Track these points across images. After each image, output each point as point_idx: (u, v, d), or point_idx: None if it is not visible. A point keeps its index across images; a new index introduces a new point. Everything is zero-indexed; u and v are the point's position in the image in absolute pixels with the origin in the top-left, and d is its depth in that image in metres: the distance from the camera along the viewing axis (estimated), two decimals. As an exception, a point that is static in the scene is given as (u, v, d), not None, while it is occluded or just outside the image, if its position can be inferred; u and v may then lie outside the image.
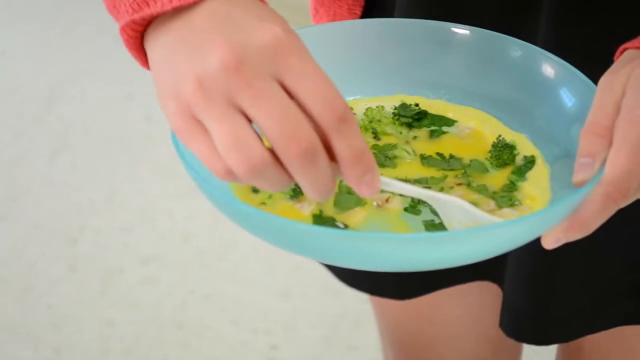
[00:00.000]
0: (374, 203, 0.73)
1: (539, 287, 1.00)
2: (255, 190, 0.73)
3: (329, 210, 0.72)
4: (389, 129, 0.81)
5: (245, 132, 0.60)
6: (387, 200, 0.73)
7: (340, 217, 0.72)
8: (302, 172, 0.60)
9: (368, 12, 0.97)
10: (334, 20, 0.97)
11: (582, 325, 1.02)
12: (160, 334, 1.95)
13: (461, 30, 0.82)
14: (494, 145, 0.79)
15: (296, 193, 0.73)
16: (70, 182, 2.29)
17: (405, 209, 0.73)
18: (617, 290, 0.99)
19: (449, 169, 0.78)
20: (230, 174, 0.61)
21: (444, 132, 0.81)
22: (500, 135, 0.80)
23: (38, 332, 1.95)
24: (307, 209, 0.72)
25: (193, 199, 2.22)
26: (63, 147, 2.38)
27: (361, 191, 0.62)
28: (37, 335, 1.95)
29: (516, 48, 0.82)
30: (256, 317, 1.98)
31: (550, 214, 0.67)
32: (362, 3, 0.95)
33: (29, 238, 2.14)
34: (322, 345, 1.93)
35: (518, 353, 1.23)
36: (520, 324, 1.04)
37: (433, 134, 0.81)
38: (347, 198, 0.73)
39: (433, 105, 0.82)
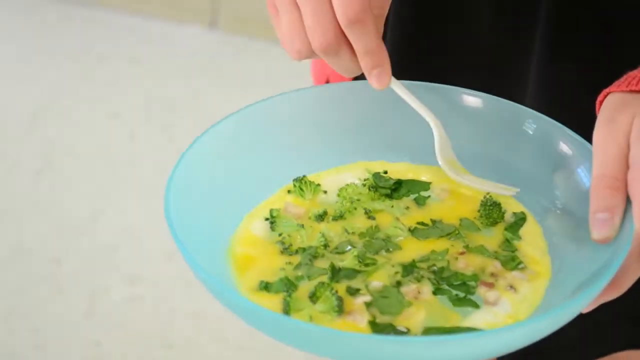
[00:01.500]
0: (412, 297, 0.72)
1: None
2: (286, 312, 0.71)
3: (382, 318, 0.70)
4: (377, 205, 0.79)
5: (297, 24, 0.73)
6: (419, 292, 0.72)
7: (397, 322, 0.70)
8: (327, 60, 0.74)
9: None
10: None
11: (584, 352, 1.01)
12: (147, 353, 1.94)
13: (419, 86, 0.81)
14: (483, 204, 0.77)
15: (341, 309, 0.70)
16: (54, 202, 2.28)
17: (434, 292, 0.72)
18: (619, 314, 0.98)
19: (444, 234, 0.76)
20: (298, 54, 0.75)
21: (426, 198, 0.80)
22: (487, 193, 0.78)
23: (23, 354, 1.94)
24: (361, 320, 0.70)
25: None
26: (47, 167, 2.37)
27: (371, 82, 0.75)
28: (22, 357, 1.94)
29: (484, 101, 0.81)
30: (243, 334, 1.98)
31: (593, 291, 0.66)
32: None
33: (13, 259, 2.14)
34: (308, 363, 1.93)
35: None
36: (523, 352, 1.03)
37: (418, 202, 0.80)
38: (389, 303, 0.71)
39: (399, 170, 0.81)
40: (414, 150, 0.82)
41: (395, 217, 0.78)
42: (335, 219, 0.78)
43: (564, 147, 0.76)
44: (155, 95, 2.58)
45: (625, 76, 0.72)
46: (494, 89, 0.83)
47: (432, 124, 0.77)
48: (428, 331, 0.69)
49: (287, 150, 0.82)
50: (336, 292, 0.71)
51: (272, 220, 0.78)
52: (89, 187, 2.32)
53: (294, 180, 0.81)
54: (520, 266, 0.73)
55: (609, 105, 0.71)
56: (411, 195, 0.80)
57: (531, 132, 0.78)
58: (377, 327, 0.69)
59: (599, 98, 0.73)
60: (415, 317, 0.70)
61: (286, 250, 0.76)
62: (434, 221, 0.77)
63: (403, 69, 0.91)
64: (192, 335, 1.98)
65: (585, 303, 0.66)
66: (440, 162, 0.77)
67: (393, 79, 0.76)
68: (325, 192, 0.81)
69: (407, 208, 0.79)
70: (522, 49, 0.90)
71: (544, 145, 0.77)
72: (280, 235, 0.77)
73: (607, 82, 0.86)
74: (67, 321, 2.00)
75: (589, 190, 0.69)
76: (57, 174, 2.35)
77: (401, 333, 0.69)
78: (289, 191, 0.81)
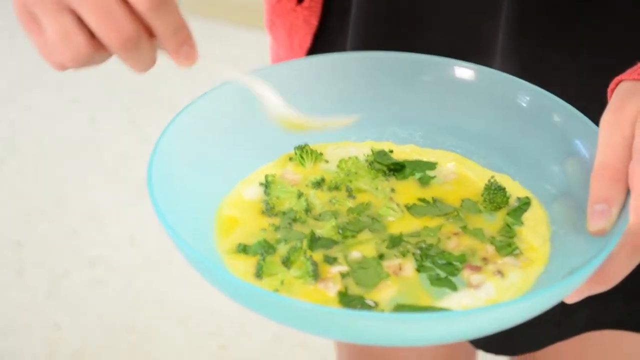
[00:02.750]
0: (391, 271, 0.71)
1: None
2: (259, 276, 0.70)
3: (354, 289, 0.69)
4: (363, 185, 0.78)
5: (72, 29, 0.67)
6: (400, 268, 0.71)
7: (369, 296, 0.69)
8: (126, 56, 0.68)
9: (325, 23, 0.96)
10: (290, 31, 0.96)
11: (549, 333, 1.01)
12: (109, 337, 1.93)
13: (439, 62, 0.80)
14: (487, 188, 0.76)
15: (316, 275, 0.70)
16: (17, 187, 2.26)
17: (418, 270, 0.71)
18: (587, 297, 0.99)
19: (441, 213, 0.75)
20: (62, 67, 0.69)
21: (431, 178, 0.78)
22: (492, 177, 0.76)
23: (-15, 339, 1.93)
24: (332, 289, 0.69)
25: (141, 203, 2.21)
26: (10, 153, 2.35)
27: (180, 61, 0.70)
28: (-16, 342, 1.93)
29: (498, 81, 0.78)
30: (205, 318, 1.98)
31: (575, 281, 0.63)
32: (319, 13, 0.94)
33: (-27, 243, 2.12)
34: (272, 344, 1.93)
35: (473, 355, 1.23)
36: (488, 336, 1.03)
37: (422, 181, 0.78)
38: (365, 275, 0.70)
39: (404, 151, 0.80)
40: (426, 127, 0.81)
41: (386, 198, 0.76)
42: (330, 189, 0.77)
43: (577, 134, 0.73)
44: (116, 80, 2.57)
45: (637, 64, 0.70)
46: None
47: (259, 91, 0.73)
48: (399, 308, 0.67)
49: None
50: (311, 257, 0.70)
51: (267, 185, 0.77)
52: (51, 172, 2.30)
53: (295, 148, 0.80)
54: (515, 252, 0.72)
55: (619, 93, 0.69)
56: (416, 174, 0.79)
57: (545, 118, 0.76)
58: (345, 299, 0.69)
59: (611, 86, 0.71)
60: (386, 291, 0.69)
61: (268, 211, 0.75)
62: (435, 200, 0.76)
63: (369, 43, 0.91)
64: (155, 319, 1.97)
65: (560, 294, 0.63)
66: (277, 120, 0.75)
67: (199, 54, 0.72)
68: (327, 161, 0.80)
69: (393, 190, 0.77)
70: (490, 24, 0.89)
71: (557, 131, 0.75)
72: (268, 196, 0.77)
73: (571, 56, 0.86)
74: (28, 305, 1.99)
75: None
76: (19, 159, 2.34)
77: (369, 307, 0.68)
78: (290, 158, 0.80)
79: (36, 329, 1.94)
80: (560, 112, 0.75)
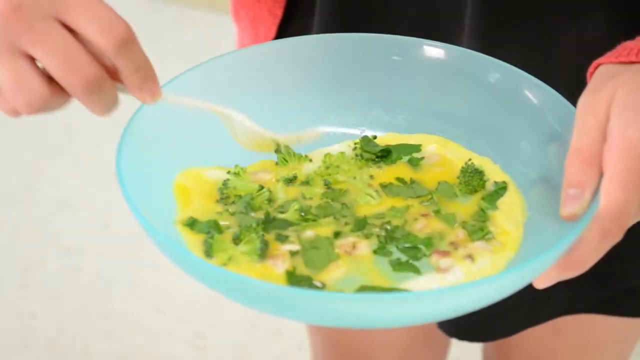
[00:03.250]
0: (343, 251, 0.70)
1: None
2: (208, 253, 0.70)
3: (303, 269, 0.69)
4: (340, 177, 0.76)
5: (27, 74, 0.64)
6: (354, 247, 0.70)
7: (317, 277, 0.68)
8: (89, 100, 0.65)
9: (289, 14, 0.95)
10: (254, 21, 0.95)
11: (522, 319, 1.01)
12: (84, 324, 1.93)
13: (424, 45, 0.78)
14: (463, 171, 0.75)
15: (264, 253, 0.69)
16: (-13, 173, 2.25)
17: (375, 252, 0.70)
18: (560, 282, 0.98)
19: (415, 195, 0.74)
20: (15, 113, 0.67)
21: (420, 159, 0.77)
22: (469, 160, 0.75)
23: (-42, 326, 1.92)
24: (280, 267, 0.69)
25: (113, 188, 2.20)
26: (-22, 138, 2.34)
27: (143, 97, 0.68)
28: (-43, 330, 1.92)
29: (483, 64, 0.77)
30: (180, 304, 1.97)
31: (542, 263, 0.62)
32: (283, 4, 0.93)
33: (-54, 231, 2.11)
34: (247, 331, 1.93)
35: (447, 342, 1.24)
36: (460, 323, 1.03)
37: (412, 163, 0.77)
38: (316, 255, 0.69)
39: (386, 138, 0.79)
40: (411, 110, 0.80)
41: (365, 185, 0.75)
42: (302, 184, 0.76)
43: (559, 120, 0.73)
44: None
45: (617, 47, 0.70)
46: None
47: (228, 118, 0.73)
48: (362, 289, 0.67)
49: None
50: (262, 235, 0.70)
51: (234, 173, 0.76)
52: (24, 158, 2.29)
53: (278, 149, 0.78)
54: (487, 236, 0.71)
55: (597, 77, 0.69)
56: (404, 157, 0.78)
57: (527, 102, 0.75)
58: (292, 278, 0.68)
59: (590, 69, 0.71)
60: (335, 272, 0.68)
61: (223, 200, 0.74)
62: (413, 181, 0.76)
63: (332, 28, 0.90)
64: (130, 305, 1.97)
65: (525, 277, 0.63)
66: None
67: (162, 89, 0.70)
68: (310, 160, 0.78)
69: (372, 177, 0.77)
70: (455, 21, 0.89)
71: (540, 116, 0.74)
72: (226, 186, 0.75)
73: (539, 34, 0.86)
74: (2, 293, 1.98)
75: None
76: (-10, 144, 2.32)
77: (315, 287, 0.67)
78: (276, 164, 0.78)
79: (10, 317, 1.93)
80: (545, 97, 0.74)
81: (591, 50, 0.75)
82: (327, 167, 0.77)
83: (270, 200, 0.74)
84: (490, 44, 0.85)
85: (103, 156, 2.30)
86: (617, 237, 0.63)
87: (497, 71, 0.77)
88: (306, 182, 0.76)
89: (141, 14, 2.75)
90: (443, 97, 0.79)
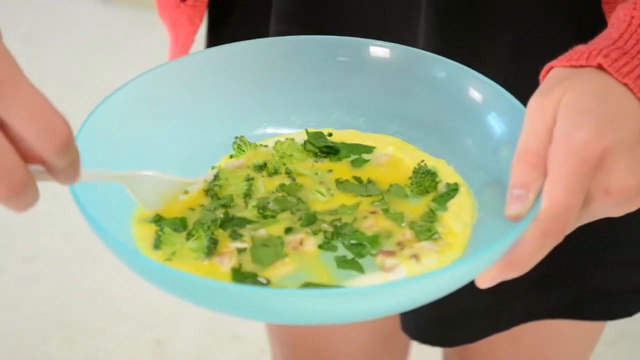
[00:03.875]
0: (291, 247, 0.70)
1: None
2: (157, 246, 0.70)
3: (249, 266, 0.69)
4: (303, 170, 0.77)
5: None
6: (300, 243, 0.71)
7: (263, 273, 0.68)
8: (11, 203, 0.60)
9: (213, 24, 0.96)
10: (174, 26, 0.95)
11: (486, 325, 1.01)
12: (44, 333, 1.93)
13: (379, 48, 0.79)
14: (415, 172, 0.75)
15: (210, 251, 0.69)
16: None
17: (320, 246, 0.70)
18: (520, 288, 0.98)
19: (366, 194, 0.75)
20: None
21: (365, 161, 0.78)
22: (422, 161, 0.76)
23: None
24: (227, 264, 0.69)
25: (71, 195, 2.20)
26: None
27: (63, 184, 0.62)
28: None
29: (439, 66, 0.78)
30: (140, 312, 1.98)
31: (479, 261, 0.63)
32: (202, 15, 0.93)
33: None
34: (207, 337, 1.93)
35: (408, 344, 1.24)
36: (423, 327, 1.03)
37: (355, 164, 0.78)
38: (264, 252, 0.70)
39: (345, 135, 0.79)
40: (368, 113, 0.80)
41: (317, 182, 0.76)
42: (270, 174, 0.77)
43: (512, 123, 0.73)
44: (50, 73, 2.54)
45: (570, 51, 0.71)
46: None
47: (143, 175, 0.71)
48: (305, 286, 0.67)
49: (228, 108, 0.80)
50: (212, 233, 0.70)
51: (216, 174, 0.76)
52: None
53: (234, 141, 0.78)
54: (434, 236, 0.71)
55: (548, 79, 0.69)
56: (351, 156, 0.78)
57: (482, 106, 0.76)
58: (237, 275, 0.68)
59: (542, 72, 0.71)
60: (282, 269, 0.69)
61: (214, 195, 0.75)
62: (370, 180, 0.76)
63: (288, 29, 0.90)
64: (90, 313, 1.97)
65: (463, 275, 0.63)
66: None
67: (81, 169, 0.64)
68: (265, 145, 0.79)
69: (330, 171, 0.77)
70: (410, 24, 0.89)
71: (494, 119, 0.75)
72: (218, 180, 0.76)
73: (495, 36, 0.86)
74: (-38, 303, 1.98)
75: None
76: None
77: (260, 284, 0.67)
78: (231, 156, 0.79)
79: (-30, 327, 1.93)
80: (500, 101, 0.75)
81: (553, 52, 0.75)
82: (281, 157, 0.77)
83: (247, 195, 0.75)
84: (446, 43, 0.86)
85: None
86: (557, 239, 0.64)
87: (452, 74, 0.77)
88: (275, 172, 0.77)
89: (100, 19, 2.75)
90: (401, 99, 0.79)
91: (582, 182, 0.63)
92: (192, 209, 0.74)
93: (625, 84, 0.67)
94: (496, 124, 0.75)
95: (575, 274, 0.99)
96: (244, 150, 0.78)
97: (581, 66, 0.68)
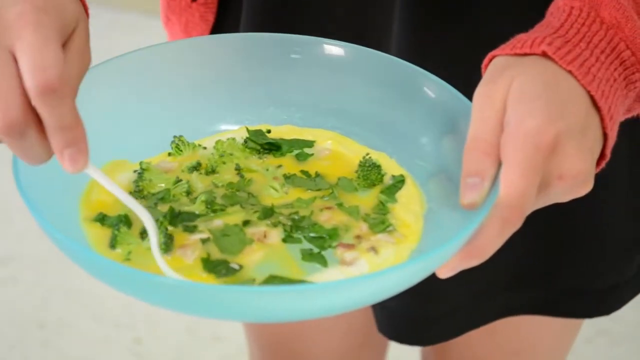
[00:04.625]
0: (255, 238, 0.70)
1: (416, 286, 1.00)
2: (113, 246, 0.69)
3: (217, 255, 0.69)
4: (253, 165, 0.77)
5: None
6: (265, 236, 0.70)
7: (235, 260, 0.68)
8: (9, 143, 0.63)
9: (221, 19, 0.95)
10: (186, 27, 0.95)
11: (463, 322, 1.02)
12: (21, 334, 1.92)
13: (313, 42, 0.79)
14: (361, 165, 0.76)
15: (168, 246, 0.69)
16: None
17: (284, 240, 0.70)
18: (496, 285, 0.99)
19: (316, 188, 0.75)
20: None
21: (309, 155, 0.78)
22: (367, 154, 0.76)
23: None
24: (191, 256, 0.68)
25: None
26: None
27: (64, 164, 0.63)
28: None
29: (374, 60, 0.78)
30: (118, 311, 1.97)
31: (443, 253, 0.63)
32: (215, 10, 0.93)
33: None
34: (186, 337, 1.93)
35: (386, 344, 1.24)
36: (400, 327, 1.04)
37: (299, 158, 0.78)
38: (229, 241, 0.69)
39: (282, 131, 0.79)
40: (304, 108, 0.80)
41: (271, 177, 0.76)
42: (207, 172, 0.76)
43: (452, 111, 0.74)
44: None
45: (511, 39, 0.71)
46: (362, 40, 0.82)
47: (145, 221, 0.69)
48: (271, 280, 0.67)
49: (165, 109, 0.79)
50: (166, 229, 0.69)
51: (141, 172, 0.76)
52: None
53: (172, 140, 0.78)
54: (388, 229, 0.71)
55: (492, 68, 0.69)
56: (294, 151, 0.78)
57: (420, 96, 0.76)
58: (208, 264, 0.67)
59: (485, 62, 0.71)
60: (253, 256, 0.69)
61: (137, 193, 0.74)
62: (317, 174, 0.76)
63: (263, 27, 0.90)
64: (67, 313, 1.96)
65: (427, 266, 0.63)
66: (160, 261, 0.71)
67: (90, 163, 0.65)
68: (204, 147, 0.78)
69: (280, 167, 0.77)
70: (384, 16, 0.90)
71: (433, 109, 0.75)
72: (141, 180, 0.75)
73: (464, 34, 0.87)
74: (-63, 304, 1.96)
75: None
76: None
77: (234, 270, 0.67)
78: (169, 154, 0.78)
79: (-54, 328, 1.92)
80: (435, 89, 0.75)
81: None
82: (221, 155, 0.77)
83: (188, 193, 0.74)
84: (421, 42, 0.86)
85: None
86: (516, 225, 0.64)
87: (391, 67, 0.77)
88: (212, 171, 0.76)
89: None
90: (338, 94, 0.79)
91: (537, 167, 0.63)
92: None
93: (570, 71, 0.67)
94: (436, 114, 0.75)
95: (552, 271, 0.99)
96: (181, 150, 0.78)
97: (525, 54, 0.69)
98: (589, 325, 1.94)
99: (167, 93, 0.79)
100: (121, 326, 1.94)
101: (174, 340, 1.92)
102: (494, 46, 0.72)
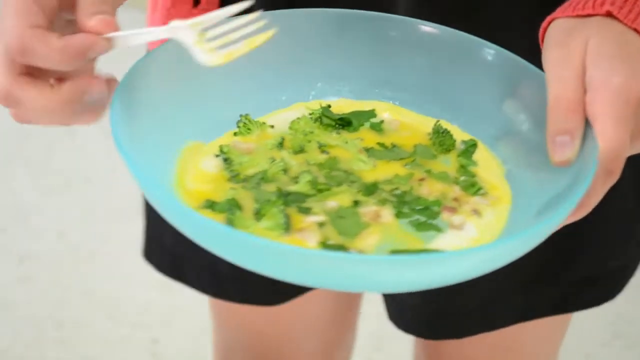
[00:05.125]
0: (369, 218, 0.69)
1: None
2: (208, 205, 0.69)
3: (336, 239, 0.68)
4: (331, 140, 0.76)
5: None
6: (377, 215, 0.70)
7: (352, 245, 0.68)
8: (11, 112, 0.67)
9: None
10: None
11: (477, 322, 1.02)
12: (38, 333, 1.92)
13: (363, 15, 0.79)
14: (435, 131, 0.76)
15: (288, 226, 0.68)
16: (-62, 182, 2.23)
17: (397, 215, 0.70)
18: (510, 288, 1.00)
19: (398, 158, 0.75)
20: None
21: (380, 123, 0.78)
22: (437, 121, 0.77)
23: None
24: (311, 239, 0.67)
25: (65, 194, 2.19)
26: None
27: (96, 27, 0.65)
28: None
29: (427, 28, 0.78)
30: (135, 311, 1.97)
31: (563, 213, 0.64)
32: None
33: None
34: (203, 337, 1.93)
35: (355, 322, 1.24)
36: (412, 320, 1.04)
37: (375, 129, 0.78)
38: (347, 224, 0.69)
39: (341, 105, 0.79)
40: (359, 81, 0.80)
41: (355, 151, 0.75)
42: (295, 152, 0.75)
43: (509, 74, 0.75)
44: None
45: (569, 1, 0.72)
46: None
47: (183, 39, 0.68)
48: (394, 253, 0.67)
49: (219, 96, 0.78)
50: (284, 209, 0.68)
51: (225, 156, 0.74)
52: (-26, 166, 2.27)
53: (239, 120, 0.77)
54: (480, 192, 0.72)
55: (557, 31, 0.71)
56: (365, 124, 0.78)
57: (476, 61, 0.77)
58: (328, 249, 0.67)
59: (543, 25, 0.73)
60: (370, 239, 0.68)
61: (234, 178, 0.72)
62: (393, 145, 0.76)
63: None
64: (84, 314, 1.96)
65: (554, 224, 0.65)
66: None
67: (113, 35, 0.66)
68: (272, 126, 0.77)
69: (361, 139, 0.77)
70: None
71: (489, 73, 0.76)
72: (230, 164, 0.73)
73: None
74: (-45, 303, 1.97)
75: (544, 114, 0.69)
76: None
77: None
78: (235, 133, 0.77)
79: (-37, 327, 1.92)
80: (490, 53, 0.76)
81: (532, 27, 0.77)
82: (305, 134, 0.76)
83: (285, 170, 0.73)
84: (428, 9, 0.86)
85: (56, 163, 2.29)
86: (618, 175, 0.67)
87: (439, 35, 0.78)
88: (300, 150, 0.75)
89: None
90: (388, 65, 0.79)
91: (628, 121, 0.66)
92: (233, 188, 0.71)
93: (635, 29, 0.69)
94: (493, 77, 0.76)
95: (568, 265, 1.00)
96: (250, 130, 0.76)
97: (588, 15, 0.70)
98: (605, 329, 1.94)
99: (206, 75, 0.77)
100: (138, 326, 1.94)
101: (192, 340, 1.92)
102: (506, 37, 0.73)
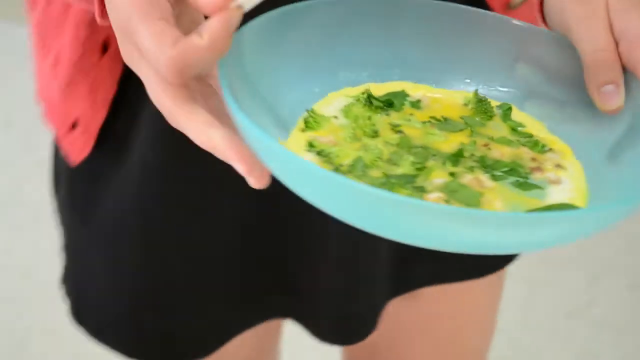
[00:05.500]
0: (476, 188, 0.69)
1: (351, 288, 1.01)
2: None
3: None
4: (397, 121, 0.75)
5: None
6: (480, 182, 0.69)
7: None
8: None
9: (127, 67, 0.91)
10: (92, 87, 0.90)
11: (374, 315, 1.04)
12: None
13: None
14: (476, 100, 0.77)
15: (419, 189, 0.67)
16: None
17: (495, 179, 0.70)
18: (383, 273, 1.02)
19: (457, 129, 0.75)
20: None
21: (418, 101, 0.78)
22: (475, 89, 0.77)
23: None
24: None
25: (33, 232, 2.16)
26: None
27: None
28: None
29: (428, 4, 0.79)
30: (101, 350, 1.93)
31: None
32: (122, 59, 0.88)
33: None
34: None
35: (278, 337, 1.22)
36: (327, 329, 1.05)
37: (416, 106, 0.77)
38: (465, 195, 0.68)
39: (371, 90, 0.78)
40: (368, 73, 0.79)
41: (421, 126, 0.75)
42: (371, 137, 0.73)
43: (519, 38, 0.77)
44: (12, 106, 2.53)
45: None
46: None
47: None
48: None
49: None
50: (410, 193, 0.67)
51: (317, 149, 0.72)
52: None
53: (306, 114, 0.74)
54: (546, 148, 0.74)
55: None
56: (405, 103, 0.78)
57: (481, 29, 0.78)
58: None
59: None
60: (496, 204, 0.68)
61: (338, 169, 0.70)
62: (444, 117, 0.76)
63: None
64: (48, 353, 1.93)
65: None
66: None
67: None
68: (335, 117, 0.75)
69: (412, 115, 0.76)
70: None
71: (498, 38, 0.78)
72: (329, 157, 0.71)
73: None
74: None
75: (558, 70, 0.73)
76: None
77: None
78: (302, 130, 0.74)
79: None
80: (492, 22, 0.78)
81: None
82: (369, 118, 0.75)
83: (379, 157, 0.71)
84: None
85: (24, 198, 2.27)
86: None
87: (443, 9, 0.78)
88: (375, 134, 0.74)
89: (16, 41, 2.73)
90: (398, 45, 0.79)
91: None
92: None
93: None
94: (502, 42, 0.77)
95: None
96: (318, 123, 0.74)
97: None
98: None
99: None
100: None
101: None
102: None
